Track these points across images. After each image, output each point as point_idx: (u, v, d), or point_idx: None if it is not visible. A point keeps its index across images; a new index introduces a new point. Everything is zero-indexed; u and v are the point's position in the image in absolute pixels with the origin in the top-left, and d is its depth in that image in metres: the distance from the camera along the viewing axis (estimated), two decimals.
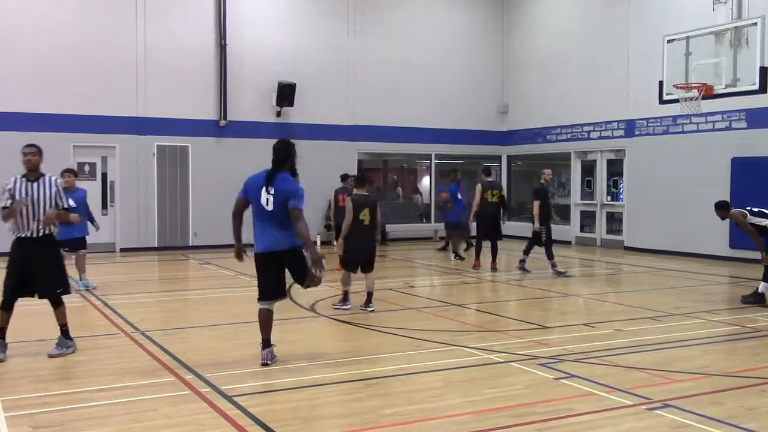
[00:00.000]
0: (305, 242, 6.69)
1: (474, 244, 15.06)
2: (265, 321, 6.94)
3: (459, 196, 15.86)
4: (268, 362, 6.82)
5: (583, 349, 7.59)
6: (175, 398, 5.87)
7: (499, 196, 14.19)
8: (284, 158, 6.88)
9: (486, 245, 14.35)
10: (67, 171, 12.20)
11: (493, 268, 14.06)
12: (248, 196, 6.92)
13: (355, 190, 10.09)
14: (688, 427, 5.20)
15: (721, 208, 10.74)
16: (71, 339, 7.44)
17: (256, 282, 6.97)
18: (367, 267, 9.79)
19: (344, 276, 9.88)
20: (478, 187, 14.36)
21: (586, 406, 5.63)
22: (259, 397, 5.86)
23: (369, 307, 9.67)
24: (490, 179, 14.67)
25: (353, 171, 20.14)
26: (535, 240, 13.66)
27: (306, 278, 6.85)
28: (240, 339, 8.26)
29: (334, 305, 10.02)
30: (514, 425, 5.23)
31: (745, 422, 5.28)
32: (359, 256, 9.73)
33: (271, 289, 6.92)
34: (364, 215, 9.58)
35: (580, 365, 6.90)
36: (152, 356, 7.27)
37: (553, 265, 13.41)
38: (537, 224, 13.43)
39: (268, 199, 6.75)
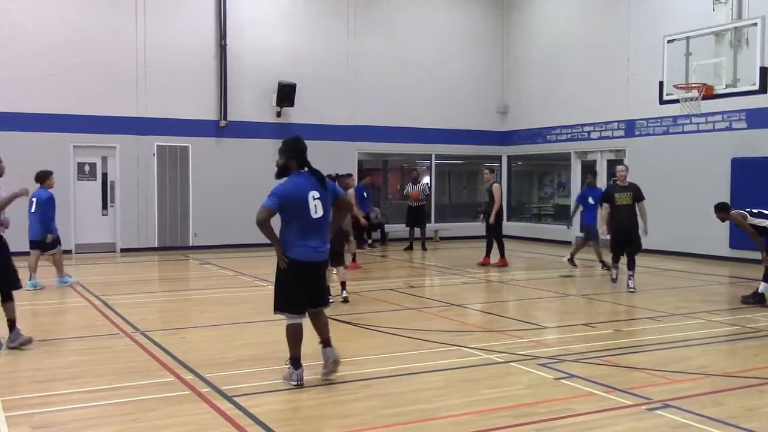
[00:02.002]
0: (333, 231, 6.52)
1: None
2: (299, 337, 6.26)
3: (591, 200, 14.43)
4: (302, 383, 6.17)
5: (583, 349, 7.59)
6: (175, 398, 5.87)
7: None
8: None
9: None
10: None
11: (485, 264, 14.70)
12: (288, 208, 6.10)
13: None
14: (688, 427, 5.20)
15: (721, 210, 10.74)
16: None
17: (281, 292, 6.24)
18: (338, 261, 10.45)
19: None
20: (496, 186, 14.97)
21: (586, 406, 5.63)
22: (259, 397, 5.85)
23: (343, 294, 10.42)
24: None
25: (353, 171, 20.26)
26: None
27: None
28: (240, 339, 8.26)
29: None
30: (514, 425, 5.23)
31: (746, 422, 5.28)
32: (334, 249, 10.24)
33: (305, 301, 6.27)
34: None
35: (580, 365, 6.90)
36: (152, 356, 7.27)
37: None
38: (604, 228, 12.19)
39: (316, 206, 6.14)
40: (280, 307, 6.28)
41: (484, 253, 15.01)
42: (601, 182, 17.35)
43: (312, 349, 7.47)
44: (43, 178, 12.14)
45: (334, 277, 10.40)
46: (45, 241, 11.84)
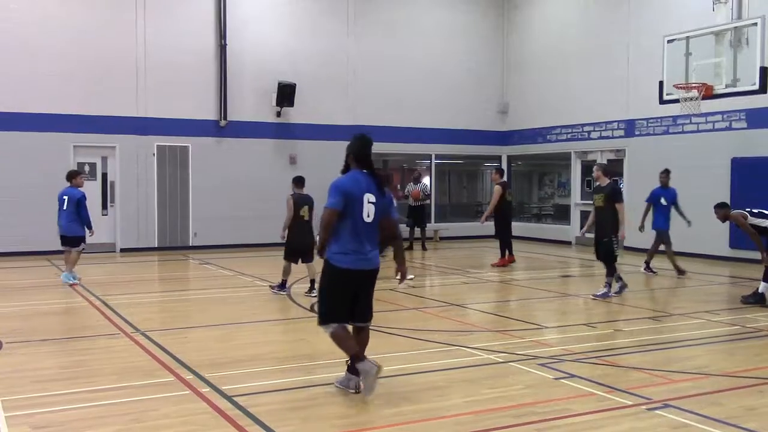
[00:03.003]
0: (403, 264, 6.15)
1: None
2: (347, 337, 5.94)
3: (663, 201, 13.58)
4: (361, 391, 5.83)
5: (583, 349, 7.59)
6: (175, 398, 5.87)
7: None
8: (371, 157, 5.99)
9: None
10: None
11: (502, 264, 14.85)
12: (347, 207, 5.74)
13: (295, 189, 11.05)
14: (688, 427, 5.20)
15: (721, 209, 10.74)
16: None
17: (323, 302, 5.96)
18: (307, 258, 10.89)
19: (285, 266, 11.01)
20: (497, 187, 15.03)
21: (586, 406, 5.63)
22: (259, 397, 5.85)
23: (312, 293, 10.62)
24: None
25: None
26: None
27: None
28: (240, 339, 8.26)
29: (271, 287, 11.25)
30: (514, 425, 5.22)
31: (746, 422, 5.27)
32: (300, 248, 10.89)
33: (347, 312, 5.92)
34: (304, 212, 10.90)
35: (580, 365, 6.90)
36: (152, 356, 7.27)
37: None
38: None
39: (369, 210, 5.80)
40: (325, 319, 5.90)
41: (508, 253, 15.21)
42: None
43: (314, 349, 7.47)
44: (71, 176, 12.56)
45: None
46: (79, 236, 12.30)
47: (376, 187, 5.85)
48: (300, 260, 10.99)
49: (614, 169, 19.28)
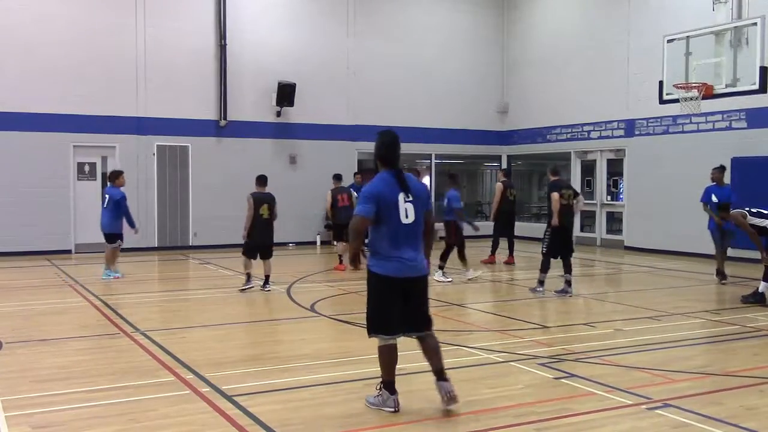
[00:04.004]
0: (427, 257, 5.74)
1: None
2: (389, 361, 5.60)
3: (714, 199, 12.58)
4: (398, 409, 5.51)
5: (583, 348, 7.59)
6: (175, 398, 5.87)
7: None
8: (399, 155, 5.72)
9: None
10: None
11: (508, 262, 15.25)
12: (380, 211, 5.39)
13: (257, 188, 11.41)
14: (689, 427, 5.20)
15: (722, 210, 10.73)
16: None
17: (372, 311, 5.65)
18: (266, 254, 11.39)
19: (245, 262, 11.43)
20: (498, 185, 15.31)
21: (586, 406, 5.63)
22: (259, 397, 5.85)
23: (266, 287, 11.31)
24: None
25: (353, 171, 20.21)
26: None
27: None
28: (240, 339, 8.26)
29: (240, 288, 11.35)
30: (514, 425, 5.22)
31: (746, 422, 5.27)
32: (258, 245, 11.35)
33: (400, 322, 5.56)
34: (263, 210, 11.23)
35: (580, 365, 6.90)
36: (152, 356, 7.27)
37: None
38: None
39: (407, 210, 5.45)
40: (373, 328, 5.57)
41: (508, 252, 15.46)
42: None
43: (314, 349, 7.46)
44: (113, 177, 13.22)
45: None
46: (117, 233, 12.93)
47: (409, 183, 5.52)
48: (258, 256, 11.40)
49: (613, 168, 19.37)
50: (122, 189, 13.17)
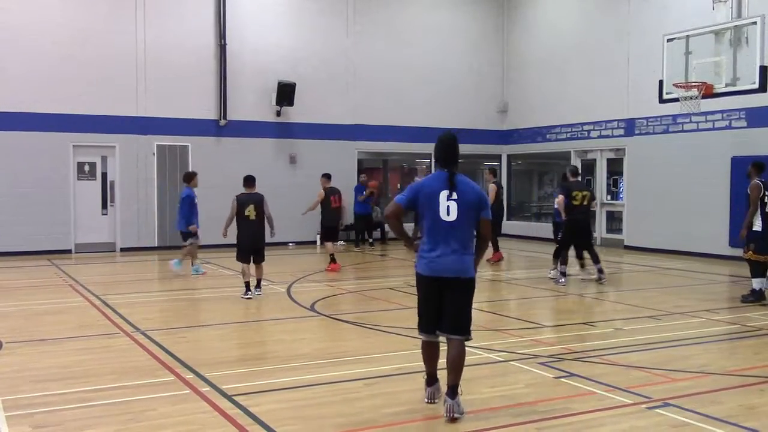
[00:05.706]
0: (477, 264, 5.66)
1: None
2: (428, 357, 5.70)
3: None
4: (435, 401, 5.66)
5: (583, 348, 7.59)
6: (175, 398, 5.87)
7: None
8: (457, 156, 5.60)
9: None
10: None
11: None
12: (420, 204, 5.45)
13: (244, 189, 11.03)
14: (689, 426, 5.20)
15: (756, 168, 10.64)
16: None
17: (418, 307, 5.66)
18: (258, 258, 10.99)
19: (242, 268, 10.96)
20: (491, 186, 15.05)
21: (586, 405, 5.63)
22: (259, 397, 5.85)
23: (257, 291, 10.96)
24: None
25: (353, 170, 20.20)
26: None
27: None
28: (240, 338, 8.26)
29: (241, 297, 10.83)
30: (514, 424, 5.23)
31: (746, 421, 5.28)
32: (248, 247, 10.92)
33: (428, 319, 5.56)
34: (249, 211, 10.80)
35: (580, 364, 6.90)
36: (152, 356, 7.27)
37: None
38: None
39: (449, 207, 5.41)
40: (418, 324, 5.66)
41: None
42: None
43: (314, 349, 7.47)
44: (188, 178, 13.62)
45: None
46: (187, 231, 13.26)
47: (458, 184, 5.42)
48: (252, 259, 10.97)
49: (613, 167, 19.37)
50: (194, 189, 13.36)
